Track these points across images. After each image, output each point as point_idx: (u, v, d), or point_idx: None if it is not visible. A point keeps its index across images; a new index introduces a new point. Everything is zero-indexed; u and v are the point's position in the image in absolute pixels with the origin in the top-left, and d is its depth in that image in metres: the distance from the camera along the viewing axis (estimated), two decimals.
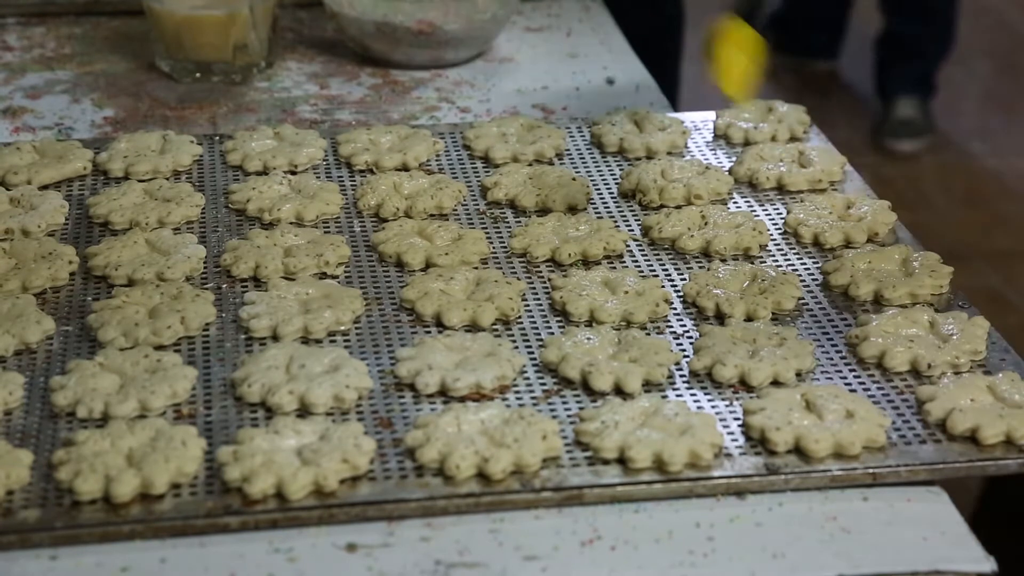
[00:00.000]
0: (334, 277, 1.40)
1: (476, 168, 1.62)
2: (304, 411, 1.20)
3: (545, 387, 1.24)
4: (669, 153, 1.64)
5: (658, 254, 1.45)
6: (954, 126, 4.03)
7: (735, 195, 1.56)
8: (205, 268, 1.41)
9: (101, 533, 1.09)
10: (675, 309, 1.36)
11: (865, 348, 1.28)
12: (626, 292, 1.36)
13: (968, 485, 1.23)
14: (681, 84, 3.28)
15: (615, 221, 1.49)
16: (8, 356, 1.27)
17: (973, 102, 4.29)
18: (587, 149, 1.67)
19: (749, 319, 1.33)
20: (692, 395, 1.23)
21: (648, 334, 1.31)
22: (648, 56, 1.96)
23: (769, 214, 1.52)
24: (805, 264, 1.43)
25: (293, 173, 1.58)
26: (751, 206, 1.54)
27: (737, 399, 1.23)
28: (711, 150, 1.67)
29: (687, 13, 3.40)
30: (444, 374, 1.23)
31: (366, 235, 1.47)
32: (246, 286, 1.38)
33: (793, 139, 1.68)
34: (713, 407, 1.22)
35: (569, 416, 1.20)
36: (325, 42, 2.00)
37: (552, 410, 1.21)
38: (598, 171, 1.61)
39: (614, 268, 1.42)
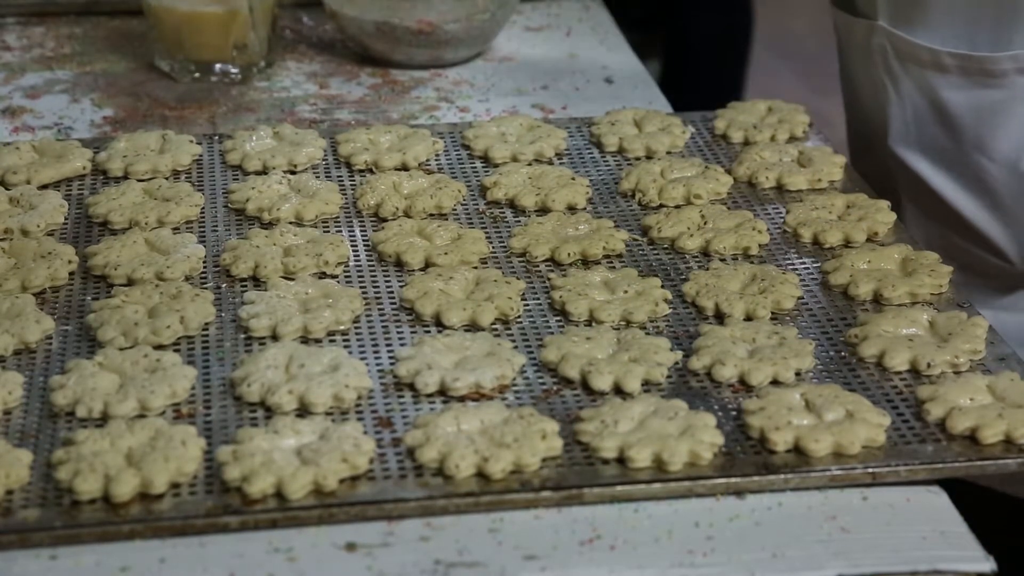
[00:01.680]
0: (333, 277, 1.40)
1: (476, 168, 1.62)
2: (304, 411, 1.20)
3: (545, 387, 1.24)
4: (669, 153, 1.64)
5: (658, 254, 1.45)
6: None
7: (735, 195, 1.56)
8: (204, 268, 1.41)
9: (101, 533, 1.09)
10: (674, 309, 1.36)
11: (864, 348, 1.28)
12: (625, 292, 1.36)
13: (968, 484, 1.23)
14: (746, 89, 3.26)
15: (615, 221, 1.49)
16: (7, 355, 1.27)
17: None
18: (587, 149, 1.67)
19: (748, 318, 1.33)
20: (691, 395, 1.23)
21: (648, 334, 1.31)
22: (713, 59, 1.93)
23: (769, 214, 1.52)
24: (805, 264, 1.43)
25: (292, 173, 1.58)
26: (751, 206, 1.54)
27: (737, 399, 1.23)
28: (711, 150, 1.67)
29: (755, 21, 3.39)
30: (444, 374, 1.23)
31: (366, 235, 1.47)
32: (245, 285, 1.38)
33: (793, 139, 1.68)
34: (712, 407, 1.22)
35: (569, 416, 1.20)
36: (325, 42, 2.00)
37: (552, 410, 1.21)
38: (598, 171, 1.61)
39: (613, 268, 1.42)
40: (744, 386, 1.24)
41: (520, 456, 1.14)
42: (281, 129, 1.65)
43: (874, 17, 1.63)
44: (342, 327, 1.31)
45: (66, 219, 1.50)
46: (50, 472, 1.13)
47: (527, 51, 1.99)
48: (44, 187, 1.55)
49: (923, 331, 1.31)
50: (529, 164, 1.61)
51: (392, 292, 1.38)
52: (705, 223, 1.48)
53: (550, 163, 1.62)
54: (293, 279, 1.38)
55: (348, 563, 1.08)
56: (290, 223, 1.48)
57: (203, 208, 1.51)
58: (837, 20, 1.72)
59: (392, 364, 1.27)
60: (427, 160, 1.62)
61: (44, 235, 1.46)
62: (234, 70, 1.87)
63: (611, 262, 1.43)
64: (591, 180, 1.58)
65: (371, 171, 1.60)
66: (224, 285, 1.38)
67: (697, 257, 1.44)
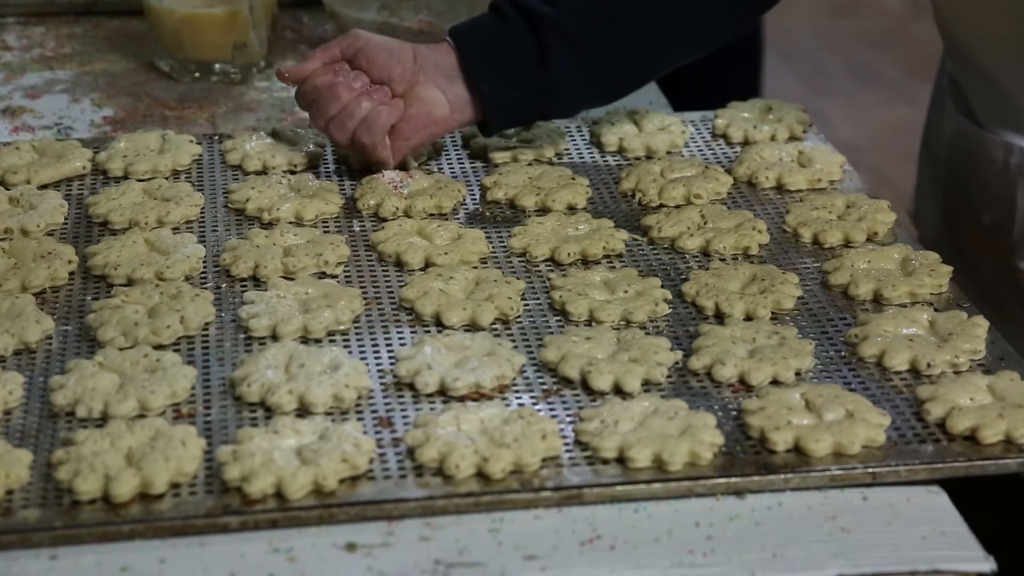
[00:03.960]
0: (333, 276, 1.40)
1: (476, 168, 1.62)
2: (303, 411, 1.20)
3: (545, 387, 1.24)
4: (669, 153, 1.64)
5: (658, 254, 1.45)
6: None
7: (735, 195, 1.56)
8: (204, 267, 1.41)
9: (101, 533, 1.09)
10: (674, 309, 1.36)
11: (865, 347, 1.28)
12: (625, 292, 1.36)
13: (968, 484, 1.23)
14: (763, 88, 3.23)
15: (615, 221, 1.49)
16: (7, 355, 1.27)
17: None
18: (587, 149, 1.67)
19: (748, 318, 1.33)
20: (691, 394, 1.23)
21: (648, 334, 1.31)
22: (714, 60, 1.84)
23: (769, 214, 1.52)
24: (805, 264, 1.43)
25: (292, 173, 1.58)
26: (751, 206, 1.54)
27: (737, 399, 1.23)
28: (711, 150, 1.67)
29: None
30: (443, 373, 1.23)
31: (365, 235, 1.47)
32: (245, 285, 1.38)
33: (792, 138, 1.68)
34: (712, 407, 1.22)
35: (569, 416, 1.20)
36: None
37: (552, 410, 1.21)
38: (598, 171, 1.61)
39: (613, 268, 1.42)
40: (744, 386, 1.24)
41: (520, 456, 1.14)
42: (281, 129, 1.65)
43: (1003, 133, 1.58)
44: (342, 327, 1.31)
45: (66, 219, 1.50)
46: (50, 472, 1.13)
47: None
48: (44, 187, 1.55)
49: (923, 331, 1.31)
50: (529, 164, 1.61)
51: (392, 292, 1.38)
52: (705, 223, 1.48)
53: (550, 163, 1.62)
54: (293, 279, 1.38)
55: (348, 563, 1.08)
56: (290, 223, 1.48)
57: (203, 208, 1.51)
58: (963, 129, 1.64)
59: (392, 364, 1.27)
60: (427, 160, 1.62)
61: (44, 235, 1.46)
62: (234, 70, 1.87)
63: (611, 262, 1.43)
64: (591, 180, 1.58)
65: (371, 171, 1.60)
66: (224, 285, 1.38)
67: (697, 257, 1.44)
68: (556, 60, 1.51)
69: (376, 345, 1.30)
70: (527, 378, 1.25)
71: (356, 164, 1.59)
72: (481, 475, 1.13)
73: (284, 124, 1.68)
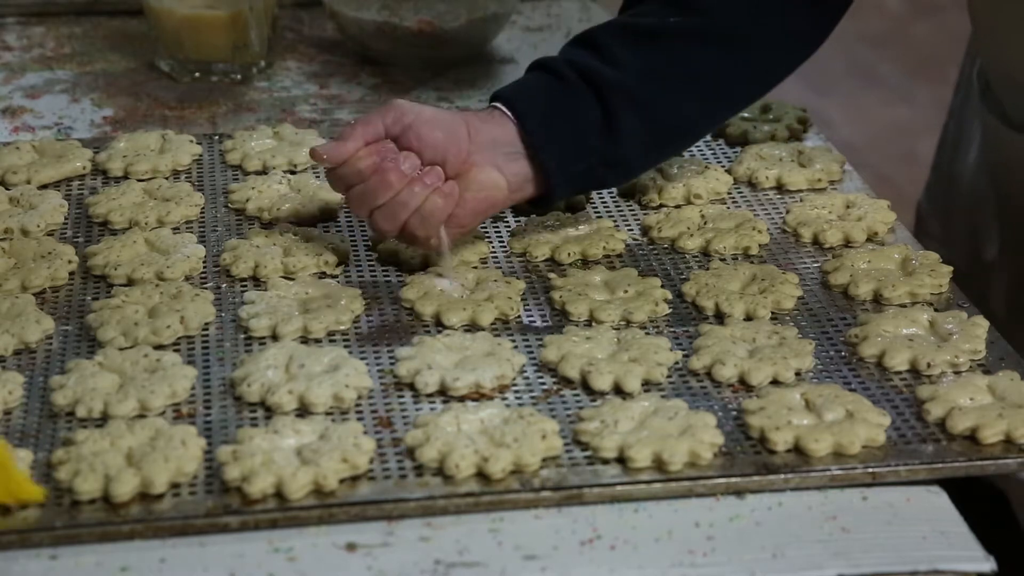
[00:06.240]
0: (334, 277, 1.40)
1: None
2: (303, 411, 1.20)
3: (545, 387, 1.24)
4: None
5: (658, 254, 1.45)
6: None
7: (735, 195, 1.56)
8: (204, 267, 1.41)
9: (101, 533, 1.09)
10: (674, 308, 1.36)
11: (864, 347, 1.28)
12: (625, 292, 1.36)
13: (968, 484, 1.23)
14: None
15: (615, 221, 1.49)
16: (7, 355, 1.27)
17: None
18: None
19: (748, 318, 1.33)
20: (691, 394, 1.23)
21: (647, 334, 1.31)
22: None
23: (769, 214, 1.52)
24: (805, 264, 1.43)
25: (293, 172, 1.58)
26: (751, 206, 1.54)
27: (737, 399, 1.23)
28: (710, 149, 1.67)
29: None
30: (444, 374, 1.23)
31: (366, 235, 1.47)
32: (245, 285, 1.38)
33: (792, 138, 1.67)
34: (712, 407, 1.22)
35: (569, 416, 1.20)
36: (325, 42, 1.99)
37: (552, 410, 1.21)
38: None
39: (613, 268, 1.42)
40: (744, 386, 1.24)
41: (520, 456, 1.14)
42: (281, 129, 1.65)
43: None
44: (342, 327, 1.31)
45: (66, 219, 1.50)
46: (50, 472, 1.13)
47: (527, 51, 1.98)
48: (44, 187, 1.55)
49: (923, 331, 1.31)
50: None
51: (392, 292, 1.38)
52: (705, 223, 1.48)
53: None
54: (293, 279, 1.38)
55: (348, 563, 1.08)
56: (290, 223, 1.48)
57: (203, 208, 1.51)
58: (999, 133, 1.58)
59: (392, 364, 1.27)
60: None
61: (44, 235, 1.46)
62: (234, 70, 1.87)
63: (611, 262, 1.43)
64: None
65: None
66: (224, 285, 1.38)
67: (697, 257, 1.44)
68: (624, 129, 1.38)
69: (376, 345, 1.30)
70: (527, 378, 1.25)
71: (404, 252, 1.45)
72: (481, 475, 1.13)
73: (284, 124, 1.68)
